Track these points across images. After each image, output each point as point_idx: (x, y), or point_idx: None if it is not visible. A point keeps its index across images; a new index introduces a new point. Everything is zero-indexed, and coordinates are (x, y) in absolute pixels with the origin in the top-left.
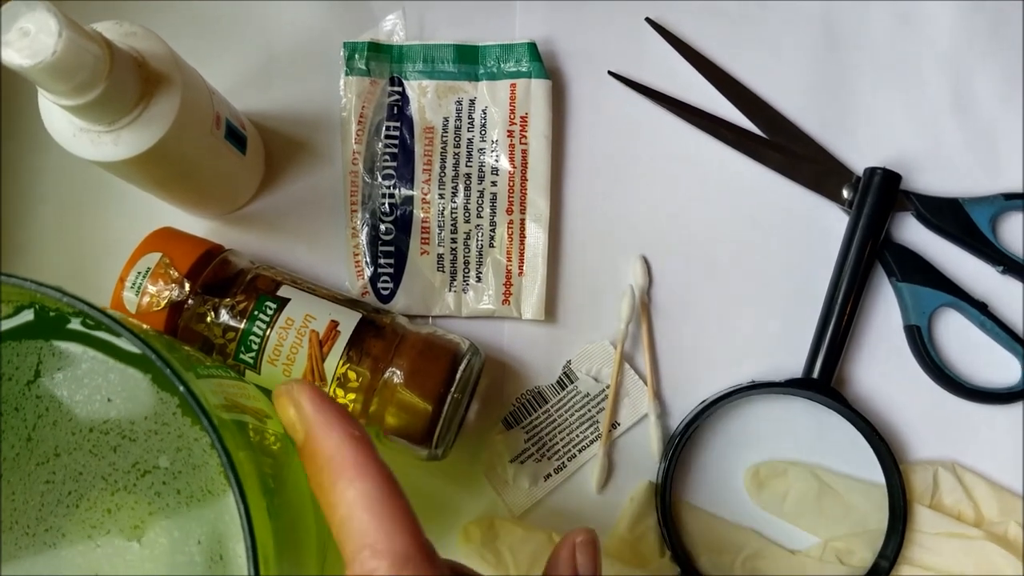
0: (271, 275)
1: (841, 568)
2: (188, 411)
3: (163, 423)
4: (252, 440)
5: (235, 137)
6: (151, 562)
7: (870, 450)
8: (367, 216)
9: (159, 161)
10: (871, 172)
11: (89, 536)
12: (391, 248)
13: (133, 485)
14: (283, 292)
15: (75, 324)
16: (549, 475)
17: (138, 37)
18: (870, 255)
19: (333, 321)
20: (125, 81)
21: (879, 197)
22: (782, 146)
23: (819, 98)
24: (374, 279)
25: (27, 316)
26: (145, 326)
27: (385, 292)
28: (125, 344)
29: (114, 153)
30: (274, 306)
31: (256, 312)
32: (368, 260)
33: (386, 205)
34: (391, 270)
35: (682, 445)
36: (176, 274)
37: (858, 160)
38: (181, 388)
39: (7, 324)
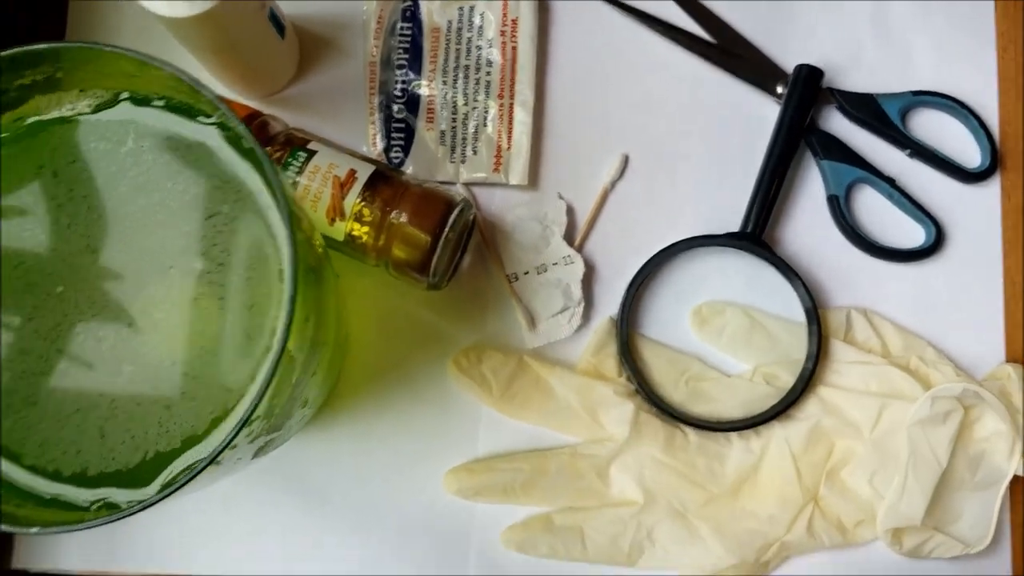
0: (302, 135)
1: (768, 388)
2: (254, 166)
3: (226, 180)
4: (305, 232)
5: (276, 22)
6: (212, 283)
7: (794, 293)
8: (383, 99)
9: (215, 25)
10: (799, 68)
11: (171, 266)
12: (402, 125)
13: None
14: (312, 146)
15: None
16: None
17: None
18: (797, 136)
19: (352, 169)
20: None
21: (805, 88)
22: (727, 49)
23: (759, 10)
24: (387, 149)
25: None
26: None
27: (396, 160)
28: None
29: (186, 8)
30: (304, 156)
31: (290, 160)
32: (383, 134)
33: (399, 90)
34: (402, 142)
35: (636, 286)
36: None
37: (791, 62)
38: (251, 144)
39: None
